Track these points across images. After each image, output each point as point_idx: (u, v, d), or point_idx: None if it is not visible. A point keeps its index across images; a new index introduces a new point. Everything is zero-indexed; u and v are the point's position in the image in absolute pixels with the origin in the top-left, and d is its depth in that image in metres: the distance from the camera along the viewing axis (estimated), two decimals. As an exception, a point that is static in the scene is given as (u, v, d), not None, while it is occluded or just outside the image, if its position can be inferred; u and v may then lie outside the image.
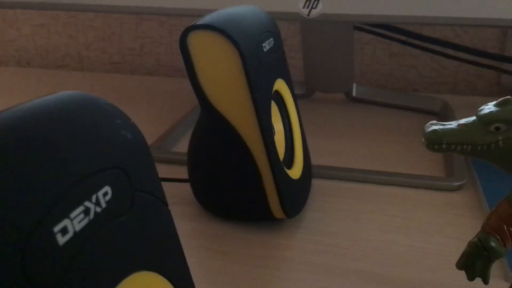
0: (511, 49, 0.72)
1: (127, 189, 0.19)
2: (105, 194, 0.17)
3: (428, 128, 0.26)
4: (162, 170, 0.51)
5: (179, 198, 0.46)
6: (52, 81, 0.83)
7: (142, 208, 0.20)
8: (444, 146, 0.24)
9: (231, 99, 0.38)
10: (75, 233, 0.16)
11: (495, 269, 0.30)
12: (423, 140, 0.25)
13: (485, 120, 0.23)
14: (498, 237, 0.27)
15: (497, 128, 0.23)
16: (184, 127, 0.61)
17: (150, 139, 0.57)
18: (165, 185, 0.48)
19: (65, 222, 0.15)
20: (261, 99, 0.38)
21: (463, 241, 0.29)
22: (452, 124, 0.25)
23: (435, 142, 0.24)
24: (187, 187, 0.46)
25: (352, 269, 0.37)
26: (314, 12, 0.50)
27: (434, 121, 0.26)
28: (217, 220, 0.43)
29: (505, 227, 0.27)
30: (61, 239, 0.15)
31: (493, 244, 0.27)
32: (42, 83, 0.82)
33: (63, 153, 0.16)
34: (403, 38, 0.66)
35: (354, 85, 0.69)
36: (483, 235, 0.27)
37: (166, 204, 0.22)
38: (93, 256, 0.16)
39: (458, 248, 0.29)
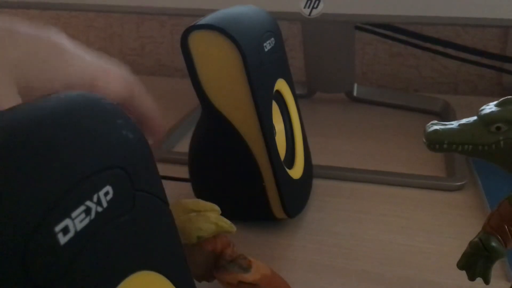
0: (512, 49, 0.72)
1: (128, 189, 0.19)
2: (106, 193, 0.17)
3: (429, 128, 0.26)
4: (163, 170, 0.50)
5: (180, 197, 0.46)
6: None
7: (143, 207, 0.20)
8: (445, 146, 0.24)
9: (232, 99, 0.38)
10: (76, 232, 0.16)
11: (496, 269, 0.30)
12: (424, 140, 0.25)
13: (486, 120, 0.23)
14: (499, 237, 0.27)
15: (498, 128, 0.22)
16: (185, 127, 0.61)
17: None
18: (166, 185, 0.48)
19: (66, 221, 0.15)
20: (262, 99, 0.38)
21: (464, 241, 0.29)
22: (453, 124, 0.25)
23: (436, 142, 0.24)
24: (188, 186, 0.46)
25: (353, 269, 0.37)
26: (315, 12, 0.50)
27: (435, 121, 0.26)
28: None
29: (506, 227, 0.27)
30: (62, 239, 0.15)
31: (494, 244, 0.26)
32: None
33: (65, 152, 0.16)
34: (404, 38, 0.66)
35: (355, 85, 0.69)
36: (484, 235, 0.27)
37: (167, 203, 0.22)
38: (94, 255, 0.16)
39: (459, 248, 0.29)
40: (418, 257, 0.38)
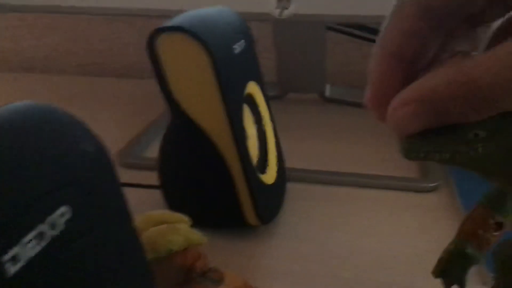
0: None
1: (87, 207, 0.18)
2: (62, 214, 0.16)
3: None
4: (132, 177, 0.49)
5: (150, 205, 0.44)
6: (18, 85, 0.80)
7: (105, 226, 0.19)
8: (422, 154, 0.22)
9: (202, 103, 0.37)
10: (27, 261, 0.14)
11: (473, 274, 0.29)
12: (399, 148, 0.24)
13: (464, 127, 0.22)
14: (475, 242, 0.26)
15: (476, 135, 0.22)
16: (155, 131, 0.59)
17: (120, 144, 0.55)
18: (135, 192, 0.47)
19: (16, 249, 0.14)
20: (233, 102, 0.37)
21: (439, 244, 0.28)
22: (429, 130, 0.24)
23: (412, 150, 0.23)
24: (158, 194, 0.44)
25: (329, 275, 0.36)
26: (286, 13, 0.49)
27: None
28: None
29: (480, 232, 0.26)
30: (12, 269, 0.14)
31: (469, 250, 0.26)
32: (7, 87, 0.79)
33: (12, 173, 0.14)
34: (375, 38, 0.65)
35: (328, 85, 0.68)
36: (459, 241, 0.27)
37: (131, 219, 0.21)
38: (50, 284, 0.15)
39: (434, 251, 0.28)
40: (394, 262, 0.37)
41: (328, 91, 0.68)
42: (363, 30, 0.65)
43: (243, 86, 0.40)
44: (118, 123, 0.63)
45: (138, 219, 0.31)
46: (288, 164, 0.47)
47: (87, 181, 0.18)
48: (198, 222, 0.42)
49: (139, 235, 0.21)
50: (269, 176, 0.42)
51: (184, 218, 0.31)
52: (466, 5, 0.21)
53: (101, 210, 0.18)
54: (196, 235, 0.30)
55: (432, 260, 0.28)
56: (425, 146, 0.22)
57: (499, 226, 0.26)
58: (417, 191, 0.47)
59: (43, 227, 0.15)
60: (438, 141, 0.21)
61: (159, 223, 0.30)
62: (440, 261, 0.28)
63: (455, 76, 0.18)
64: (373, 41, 0.67)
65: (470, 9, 0.21)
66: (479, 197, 0.28)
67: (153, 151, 0.55)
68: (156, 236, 0.29)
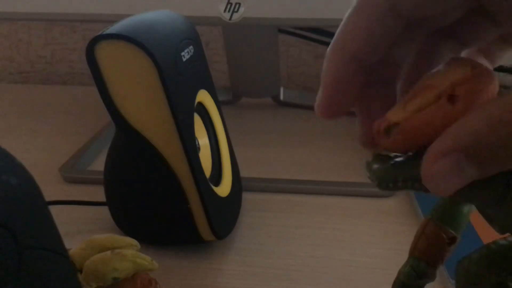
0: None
1: (11, 250, 0.15)
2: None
3: (376, 163, 0.20)
4: (78, 192, 0.46)
5: (97, 224, 0.42)
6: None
7: (34, 268, 0.16)
8: (400, 184, 0.18)
9: (149, 115, 0.34)
10: None
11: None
12: (371, 178, 0.20)
13: None
14: (429, 259, 0.25)
15: None
16: (102, 142, 0.56)
17: (64, 157, 0.52)
18: (81, 210, 0.44)
19: None
20: (183, 113, 0.35)
21: (400, 251, 0.28)
22: (403, 156, 0.19)
23: (388, 180, 0.18)
24: (105, 210, 0.42)
25: (289, 291, 0.35)
26: (236, 16, 0.47)
27: (379, 153, 0.20)
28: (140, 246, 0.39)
29: (434, 248, 0.25)
30: None
31: (427, 270, 0.25)
32: None
33: None
34: (328, 40, 0.64)
35: (282, 89, 0.67)
36: (415, 262, 0.26)
37: (64, 255, 0.18)
38: None
39: (395, 259, 0.27)
40: (355, 273, 0.36)
41: (282, 95, 0.67)
42: (315, 32, 0.64)
43: (193, 95, 0.38)
44: (63, 133, 0.60)
45: (82, 245, 0.29)
46: (243, 173, 0.46)
47: (10, 218, 0.15)
48: (149, 241, 0.39)
49: (75, 275, 0.19)
50: (224, 188, 0.40)
51: (133, 241, 0.29)
52: (440, 8, 0.18)
53: (27, 251, 0.16)
54: (146, 260, 0.28)
55: (393, 269, 0.27)
56: (403, 174, 0.18)
57: (452, 240, 0.26)
58: (374, 196, 0.46)
59: None
60: (417, 166, 0.17)
61: (104, 248, 0.28)
62: (396, 283, 0.27)
63: (500, 115, 0.15)
64: (327, 43, 0.66)
65: (445, 13, 0.18)
66: (436, 201, 0.27)
67: (100, 164, 0.52)
68: (100, 264, 0.26)
